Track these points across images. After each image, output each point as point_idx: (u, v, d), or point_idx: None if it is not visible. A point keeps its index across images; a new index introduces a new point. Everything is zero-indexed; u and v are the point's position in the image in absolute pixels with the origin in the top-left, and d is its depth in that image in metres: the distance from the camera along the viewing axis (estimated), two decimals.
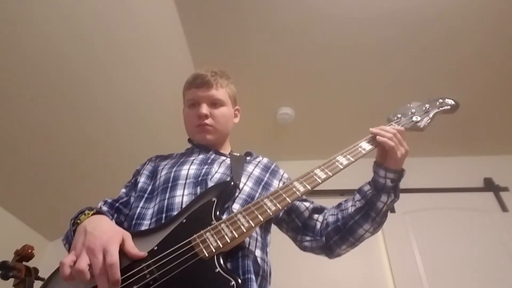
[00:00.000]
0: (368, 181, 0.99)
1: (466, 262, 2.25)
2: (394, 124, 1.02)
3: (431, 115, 1.07)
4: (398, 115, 1.07)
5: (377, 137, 0.94)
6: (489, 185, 2.64)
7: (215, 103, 1.13)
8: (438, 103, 1.10)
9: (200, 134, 1.12)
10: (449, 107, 1.09)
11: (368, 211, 0.95)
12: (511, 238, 2.35)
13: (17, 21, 1.54)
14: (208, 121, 1.10)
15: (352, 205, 0.99)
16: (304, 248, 1.06)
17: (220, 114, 1.13)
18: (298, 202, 1.07)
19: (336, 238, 0.99)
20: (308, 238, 1.04)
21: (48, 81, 1.80)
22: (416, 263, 2.29)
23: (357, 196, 1.00)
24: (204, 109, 1.10)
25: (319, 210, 1.08)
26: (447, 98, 1.10)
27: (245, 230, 0.75)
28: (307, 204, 1.08)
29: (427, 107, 1.08)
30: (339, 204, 1.04)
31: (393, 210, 2.56)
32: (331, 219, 1.02)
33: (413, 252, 2.34)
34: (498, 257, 2.27)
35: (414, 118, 1.06)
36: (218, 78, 1.14)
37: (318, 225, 1.04)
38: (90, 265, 0.67)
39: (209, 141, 1.12)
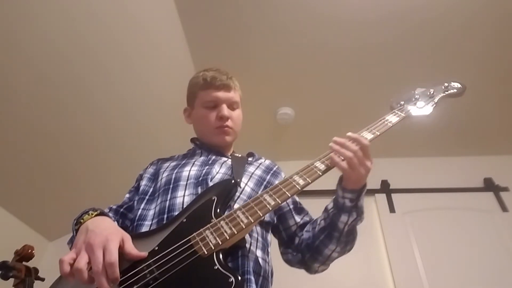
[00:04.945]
0: (333, 197, 0.95)
1: (466, 262, 2.25)
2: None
3: (436, 100, 1.02)
4: (401, 102, 1.03)
5: (331, 155, 0.86)
6: (489, 185, 2.64)
7: (232, 105, 1.13)
8: (443, 87, 1.05)
9: (219, 136, 1.11)
10: (455, 90, 1.04)
11: (331, 231, 0.92)
12: (511, 238, 2.35)
13: (17, 21, 1.54)
14: (228, 123, 1.10)
15: (318, 224, 0.96)
16: (286, 261, 1.06)
17: (237, 117, 1.14)
18: (289, 215, 1.05)
19: (308, 256, 0.98)
20: (289, 250, 1.04)
21: (48, 81, 1.80)
22: (416, 263, 2.28)
23: (323, 214, 0.97)
24: (226, 111, 1.09)
25: (305, 225, 1.04)
26: (453, 81, 1.05)
27: (244, 226, 0.75)
28: (297, 219, 1.05)
29: (432, 92, 1.04)
30: (315, 220, 1.01)
31: (393, 210, 2.56)
32: (305, 235, 1.00)
33: (413, 252, 2.33)
34: (498, 257, 2.26)
35: (418, 104, 1.01)
36: (234, 80, 1.15)
37: (297, 240, 1.02)
38: (89, 263, 0.67)
39: (227, 143, 1.13)
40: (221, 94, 1.11)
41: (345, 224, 0.89)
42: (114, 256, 0.67)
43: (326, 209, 0.96)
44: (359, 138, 0.87)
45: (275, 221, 1.05)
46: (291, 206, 1.07)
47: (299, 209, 1.09)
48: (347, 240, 0.93)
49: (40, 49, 1.67)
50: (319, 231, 0.94)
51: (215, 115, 1.09)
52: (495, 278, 2.17)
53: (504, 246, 2.31)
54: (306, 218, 1.07)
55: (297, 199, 1.11)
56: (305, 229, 1.01)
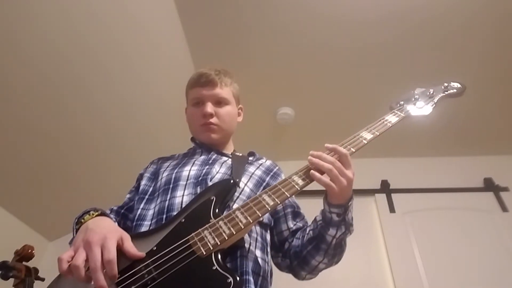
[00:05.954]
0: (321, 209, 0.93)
1: (466, 262, 2.24)
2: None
3: (435, 100, 1.02)
4: (401, 102, 1.03)
5: (311, 172, 0.82)
6: (489, 185, 2.64)
7: (219, 102, 1.12)
8: (443, 87, 1.06)
9: (205, 133, 1.10)
10: (455, 90, 1.05)
11: (319, 243, 0.91)
12: (511, 238, 2.34)
13: (17, 21, 1.54)
14: (213, 120, 1.09)
15: (307, 233, 0.95)
16: (275, 264, 1.04)
17: (225, 113, 1.12)
18: (283, 219, 1.04)
19: (295, 264, 0.97)
20: (280, 254, 1.03)
21: (48, 81, 1.80)
22: (416, 263, 2.28)
23: (312, 224, 0.95)
24: (209, 108, 1.08)
25: (297, 231, 1.03)
26: (453, 82, 1.06)
27: (243, 227, 0.74)
28: (291, 224, 1.04)
29: (431, 92, 1.04)
30: (305, 228, 0.99)
31: (393, 210, 2.56)
32: (294, 242, 0.99)
33: (413, 252, 2.33)
34: (498, 257, 2.26)
35: (417, 104, 1.01)
36: (222, 76, 1.13)
37: (287, 245, 1.01)
38: (87, 261, 0.67)
39: (214, 140, 1.11)
40: (205, 91, 1.10)
41: (333, 237, 0.88)
42: (112, 254, 0.67)
43: (315, 220, 0.94)
44: (337, 147, 0.85)
45: (272, 223, 1.04)
46: (289, 210, 1.06)
47: (296, 213, 1.07)
48: (334, 253, 0.92)
49: (40, 49, 1.67)
50: (307, 241, 0.93)
51: (200, 112, 1.09)
52: (495, 278, 2.17)
53: (504, 246, 2.31)
54: (300, 224, 1.05)
55: (296, 202, 1.10)
56: (296, 235, 1.00)
